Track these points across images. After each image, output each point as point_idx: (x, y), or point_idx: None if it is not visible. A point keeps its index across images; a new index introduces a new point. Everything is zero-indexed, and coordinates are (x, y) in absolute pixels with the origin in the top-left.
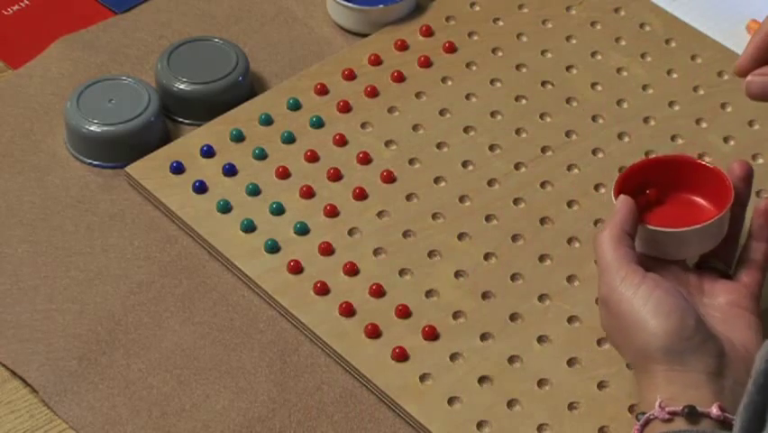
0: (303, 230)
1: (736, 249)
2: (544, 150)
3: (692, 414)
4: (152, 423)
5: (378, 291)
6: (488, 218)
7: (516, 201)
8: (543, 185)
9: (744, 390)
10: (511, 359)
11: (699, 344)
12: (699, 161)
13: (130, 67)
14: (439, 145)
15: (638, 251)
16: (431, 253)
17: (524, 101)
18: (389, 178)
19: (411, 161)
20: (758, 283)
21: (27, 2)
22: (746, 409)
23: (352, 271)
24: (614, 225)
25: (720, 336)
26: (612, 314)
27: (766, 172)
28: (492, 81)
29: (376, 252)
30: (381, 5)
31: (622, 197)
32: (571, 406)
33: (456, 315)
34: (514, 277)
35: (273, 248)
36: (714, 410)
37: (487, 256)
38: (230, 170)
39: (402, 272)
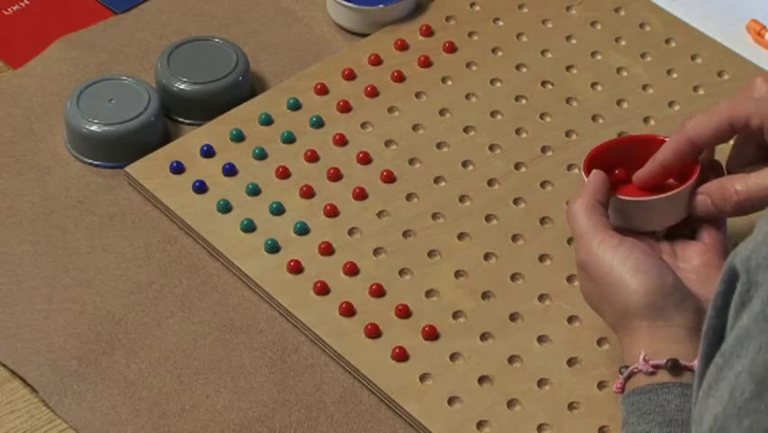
0: (303, 230)
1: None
2: (544, 150)
3: (675, 367)
4: (152, 423)
5: (378, 291)
6: (488, 218)
7: (516, 201)
8: (543, 185)
9: None
10: (511, 359)
11: (680, 300)
12: (664, 138)
13: (130, 67)
14: (439, 145)
15: (611, 223)
16: (431, 253)
17: (524, 101)
18: (389, 178)
19: (411, 161)
20: (722, 241)
21: (27, 2)
22: (706, 335)
23: (352, 271)
24: (586, 195)
25: (698, 295)
26: (591, 277)
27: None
28: (492, 81)
29: (376, 252)
30: (381, 5)
31: (595, 171)
32: (571, 406)
33: (456, 315)
34: (514, 277)
35: (273, 248)
36: (697, 364)
37: (487, 256)
38: (230, 170)
39: (402, 272)
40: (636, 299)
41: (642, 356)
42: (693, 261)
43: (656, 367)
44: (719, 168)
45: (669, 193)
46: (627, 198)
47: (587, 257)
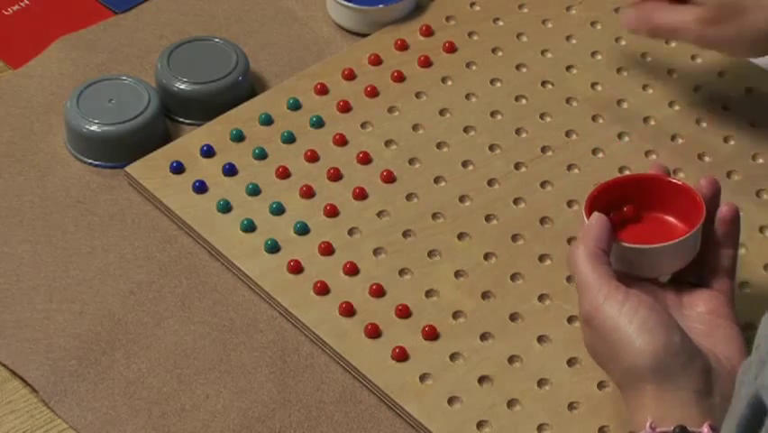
0: (303, 230)
1: (706, 261)
2: (544, 150)
3: None
4: (152, 423)
5: (378, 291)
6: (488, 218)
7: (516, 201)
8: (543, 185)
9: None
10: (511, 359)
11: (687, 361)
12: (669, 179)
13: (130, 67)
14: (439, 145)
15: (613, 269)
16: (431, 253)
17: (524, 101)
18: (389, 178)
19: (411, 161)
20: (730, 289)
21: (27, 2)
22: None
23: (352, 271)
24: (589, 243)
25: (706, 352)
26: (597, 333)
27: (766, 172)
28: (492, 81)
29: (376, 252)
30: (381, 5)
31: (596, 214)
32: (571, 406)
33: (456, 315)
34: (514, 277)
35: (273, 248)
36: (705, 430)
37: (487, 256)
38: (230, 170)
39: (402, 272)
40: (643, 359)
41: (648, 423)
42: (699, 308)
43: None
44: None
45: (674, 240)
46: (631, 245)
47: (593, 311)
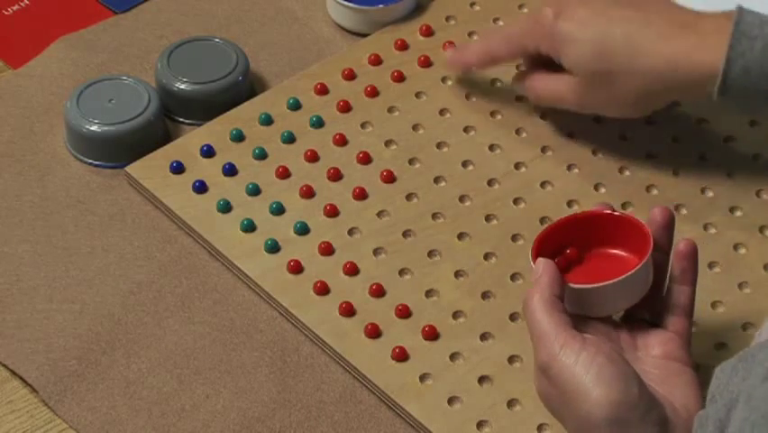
0: (303, 230)
1: (662, 298)
2: (543, 150)
3: None
4: (152, 423)
5: (378, 291)
6: (488, 218)
7: (516, 201)
8: (543, 185)
9: None
10: (511, 359)
11: (644, 413)
12: (615, 213)
13: (130, 67)
14: (439, 145)
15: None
16: (431, 253)
17: (524, 101)
18: (389, 178)
19: (411, 161)
20: (687, 330)
21: (27, 2)
22: None
23: (352, 271)
24: (543, 290)
25: (662, 401)
26: (553, 383)
27: (766, 172)
28: (492, 81)
29: (376, 252)
30: (381, 5)
31: (541, 260)
32: None
33: (456, 315)
34: (514, 277)
35: (273, 248)
36: None
37: (487, 256)
38: (230, 170)
39: (402, 272)
40: (599, 410)
41: None
42: (654, 350)
43: None
44: (669, 243)
45: (621, 277)
46: (579, 286)
47: (549, 360)
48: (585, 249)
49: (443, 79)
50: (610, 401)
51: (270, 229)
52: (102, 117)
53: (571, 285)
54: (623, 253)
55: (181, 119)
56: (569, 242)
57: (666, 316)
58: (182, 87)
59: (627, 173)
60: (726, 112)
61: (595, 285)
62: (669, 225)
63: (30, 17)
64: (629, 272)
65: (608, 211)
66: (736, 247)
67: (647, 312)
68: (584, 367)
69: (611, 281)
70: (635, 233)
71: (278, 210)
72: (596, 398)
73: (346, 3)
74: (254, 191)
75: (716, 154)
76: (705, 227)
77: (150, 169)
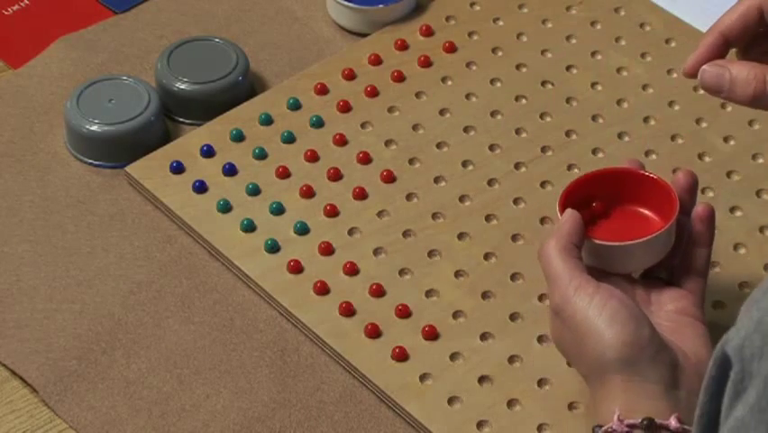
0: (303, 230)
1: (679, 258)
2: (544, 150)
3: (651, 426)
4: (152, 423)
5: (378, 291)
6: (488, 218)
7: (516, 201)
8: (543, 185)
9: (697, 400)
10: (511, 359)
11: (654, 354)
12: (643, 172)
13: (130, 67)
14: (439, 145)
15: (585, 264)
16: (431, 253)
17: (524, 101)
18: (389, 177)
19: (411, 161)
20: (701, 289)
21: (27, 2)
22: (700, 420)
23: (351, 270)
24: (561, 237)
25: (673, 347)
26: (566, 325)
27: (766, 172)
28: (492, 81)
29: (376, 252)
30: (381, 5)
31: (569, 210)
32: (571, 406)
33: (456, 315)
34: (514, 277)
35: (273, 248)
36: (673, 422)
37: (487, 256)
38: (230, 170)
39: (402, 272)
40: (612, 351)
41: (616, 415)
42: (667, 306)
43: (631, 427)
44: (692, 204)
45: (646, 237)
46: (603, 242)
47: (562, 303)
48: (610, 204)
49: (443, 79)
50: (623, 342)
51: (270, 229)
52: (102, 117)
53: (596, 241)
54: (647, 213)
55: (181, 119)
56: (595, 196)
57: (682, 275)
58: (182, 87)
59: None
60: (726, 112)
61: (620, 243)
62: (692, 189)
63: (30, 17)
64: (654, 233)
65: (637, 169)
66: (735, 247)
67: (664, 271)
68: (597, 309)
69: (636, 241)
70: (661, 194)
71: (278, 210)
72: (608, 339)
73: (346, 3)
74: (254, 191)
75: (716, 154)
76: None
77: (150, 169)
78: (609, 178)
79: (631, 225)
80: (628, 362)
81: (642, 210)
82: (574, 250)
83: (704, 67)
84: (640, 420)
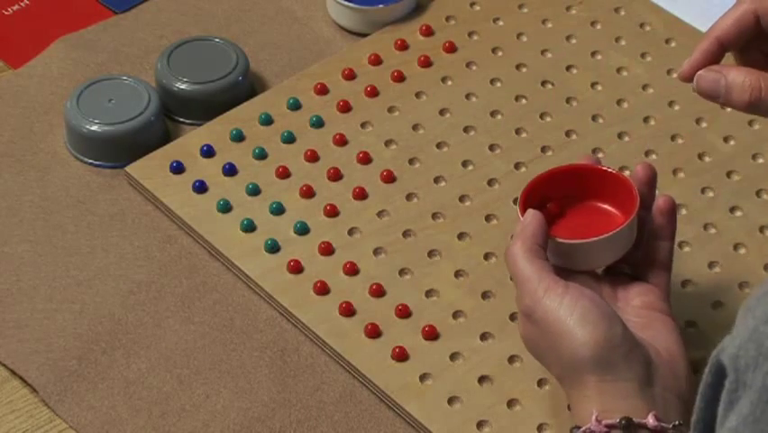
0: (303, 230)
1: (642, 252)
2: (544, 150)
3: (629, 426)
4: (152, 423)
5: (378, 291)
6: (488, 218)
7: (516, 201)
8: None
9: (672, 396)
10: (511, 359)
11: (628, 352)
12: (602, 167)
13: (130, 67)
14: (439, 145)
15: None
16: (431, 253)
17: (524, 101)
18: (389, 177)
19: (411, 161)
20: (666, 283)
21: (27, 2)
22: (696, 426)
23: (351, 270)
24: (526, 238)
25: (645, 344)
26: (537, 327)
27: (766, 172)
28: (492, 81)
29: (376, 251)
30: (381, 5)
31: (530, 211)
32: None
33: (456, 315)
34: None
35: (273, 248)
36: (650, 420)
37: (487, 256)
38: (230, 170)
39: (402, 272)
40: (584, 351)
41: (594, 416)
42: (634, 301)
43: (610, 427)
44: (652, 200)
45: (608, 234)
46: (564, 240)
47: (533, 305)
48: (570, 201)
49: (443, 79)
50: (596, 341)
51: (270, 229)
52: (102, 117)
53: (558, 239)
54: (608, 208)
55: (181, 119)
56: (555, 194)
57: (646, 269)
58: (182, 87)
59: (627, 173)
60: (725, 112)
61: (581, 241)
62: (651, 182)
63: (30, 17)
64: (615, 229)
65: (596, 165)
66: (735, 247)
67: (628, 266)
68: (568, 309)
69: (597, 238)
70: (620, 188)
71: (278, 210)
72: (581, 338)
73: (346, 3)
74: (254, 191)
75: (716, 154)
76: (705, 227)
77: (150, 169)
78: (569, 175)
79: (593, 222)
80: (602, 361)
81: (603, 206)
82: (540, 251)
83: (700, 72)
84: (618, 420)
